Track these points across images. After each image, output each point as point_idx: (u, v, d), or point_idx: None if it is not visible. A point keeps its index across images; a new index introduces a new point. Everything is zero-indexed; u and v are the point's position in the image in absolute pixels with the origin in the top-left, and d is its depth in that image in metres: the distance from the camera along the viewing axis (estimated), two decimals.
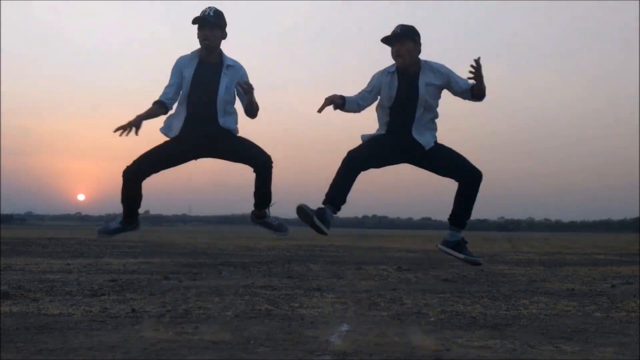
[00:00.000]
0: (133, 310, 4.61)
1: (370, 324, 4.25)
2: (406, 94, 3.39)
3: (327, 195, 3.33)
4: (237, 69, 3.48)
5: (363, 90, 3.48)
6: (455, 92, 3.44)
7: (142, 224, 3.71)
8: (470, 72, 3.30)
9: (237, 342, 3.49)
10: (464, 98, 3.46)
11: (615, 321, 4.50)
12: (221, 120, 3.42)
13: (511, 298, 5.88)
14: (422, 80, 3.37)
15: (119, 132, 3.32)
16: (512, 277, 8.57)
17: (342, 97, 3.40)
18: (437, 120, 3.50)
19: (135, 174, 3.43)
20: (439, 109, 3.49)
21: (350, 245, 21.22)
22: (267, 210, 3.66)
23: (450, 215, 3.50)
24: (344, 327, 4.04)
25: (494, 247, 22.11)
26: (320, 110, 3.36)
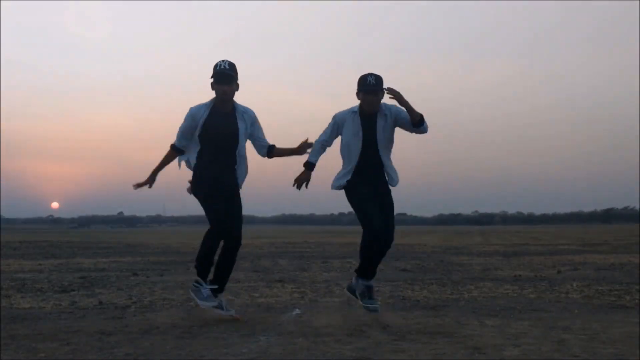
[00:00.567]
0: (100, 303, 4.91)
1: (321, 308, 4.62)
2: (367, 134, 3.91)
3: (360, 271, 4.08)
4: (249, 114, 3.97)
5: (325, 133, 4.02)
6: (402, 124, 3.95)
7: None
8: (391, 98, 3.80)
9: (195, 324, 3.82)
10: (411, 131, 3.95)
11: (544, 301, 4.95)
12: (238, 163, 3.95)
13: (459, 284, 6.31)
14: (381, 121, 3.91)
15: (138, 187, 4.04)
16: (468, 266, 9.03)
17: (310, 166, 4.00)
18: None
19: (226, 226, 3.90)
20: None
21: (323, 241, 21.62)
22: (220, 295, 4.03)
23: (357, 268, 4.06)
24: (296, 312, 4.41)
25: (465, 240, 22.71)
26: (299, 188, 4.03)
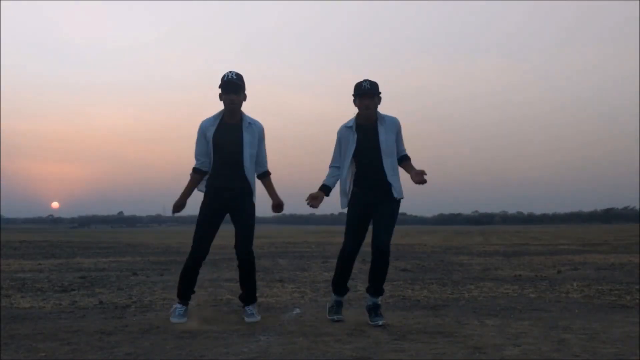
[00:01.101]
0: (101, 302, 4.91)
1: (321, 308, 4.61)
2: (367, 145, 3.89)
3: (332, 285, 4.10)
4: (257, 126, 3.97)
5: (334, 157, 4.02)
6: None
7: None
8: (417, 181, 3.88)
9: (195, 325, 3.82)
10: (399, 163, 4.00)
11: (544, 301, 4.95)
12: (247, 173, 3.93)
13: (459, 284, 6.31)
14: (381, 131, 3.90)
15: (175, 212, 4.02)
16: (468, 266, 9.03)
17: (326, 189, 3.98)
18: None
19: (202, 253, 4.02)
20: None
21: (323, 241, 21.63)
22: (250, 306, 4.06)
23: (368, 287, 4.01)
24: (296, 311, 4.41)
25: (466, 240, 22.72)
26: (316, 205, 3.97)
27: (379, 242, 3.83)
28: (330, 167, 4.04)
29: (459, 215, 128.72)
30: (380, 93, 3.91)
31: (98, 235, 35.69)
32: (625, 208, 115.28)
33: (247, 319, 3.95)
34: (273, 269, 8.57)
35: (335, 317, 3.97)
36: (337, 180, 3.99)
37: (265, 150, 4.04)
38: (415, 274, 7.58)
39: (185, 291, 4.06)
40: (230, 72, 3.88)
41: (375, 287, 3.91)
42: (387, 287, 6.03)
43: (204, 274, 7.69)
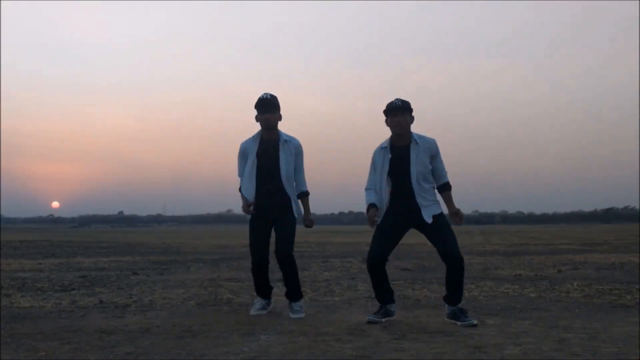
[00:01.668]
0: (101, 302, 4.91)
1: (321, 307, 4.61)
2: (400, 167, 3.88)
3: (377, 298, 4.02)
4: (293, 143, 4.16)
5: (369, 178, 4.02)
6: (433, 171, 3.94)
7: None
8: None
9: (195, 324, 3.82)
10: (435, 183, 3.97)
11: (545, 300, 4.94)
12: (286, 188, 4.14)
13: None
14: (414, 153, 3.87)
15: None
16: (468, 265, 8.99)
17: (373, 206, 3.96)
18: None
19: (261, 259, 4.28)
20: None
21: (323, 241, 21.63)
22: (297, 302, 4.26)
23: (444, 295, 3.98)
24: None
25: (466, 240, 22.72)
26: (372, 226, 3.97)
27: (448, 250, 3.82)
28: (366, 189, 4.03)
29: None
30: (412, 111, 3.89)
31: (98, 235, 35.69)
32: (626, 208, 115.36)
33: (292, 315, 4.13)
34: (273, 269, 8.55)
35: (465, 323, 3.76)
36: (378, 197, 3.97)
37: (303, 168, 4.24)
38: (415, 274, 7.58)
39: (260, 289, 4.40)
40: (265, 93, 4.09)
41: (454, 296, 3.88)
42: None
43: (205, 273, 7.70)
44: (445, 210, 3.98)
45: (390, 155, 3.89)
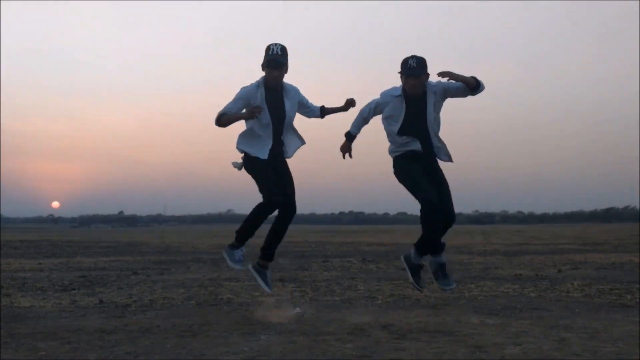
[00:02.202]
0: (101, 302, 4.91)
1: (321, 307, 4.61)
2: (415, 115, 3.91)
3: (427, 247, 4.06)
4: (294, 90, 4.16)
5: (369, 107, 4.05)
6: (455, 94, 3.93)
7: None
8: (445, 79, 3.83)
9: (195, 323, 3.82)
10: (465, 95, 3.94)
11: (545, 300, 4.94)
12: (284, 138, 4.13)
13: (460, 283, 6.29)
14: (430, 102, 3.90)
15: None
16: (469, 265, 9.02)
17: (350, 137, 4.14)
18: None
19: (282, 195, 4.05)
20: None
21: (323, 240, 21.62)
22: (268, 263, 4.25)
23: (417, 242, 4.03)
24: (296, 310, 4.40)
25: (466, 240, 22.70)
26: (344, 157, 4.15)
27: (447, 206, 3.89)
28: (360, 112, 4.11)
29: (459, 214, 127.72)
30: (426, 69, 3.86)
31: (98, 234, 35.71)
32: (626, 208, 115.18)
33: (265, 288, 4.21)
34: (274, 268, 8.51)
35: (447, 288, 4.02)
36: (361, 128, 4.13)
37: (306, 98, 4.23)
38: None
39: (247, 234, 4.19)
40: (275, 45, 4.00)
41: (439, 244, 3.95)
42: (387, 286, 6.05)
43: (205, 273, 7.70)
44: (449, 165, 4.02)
45: (404, 105, 3.90)
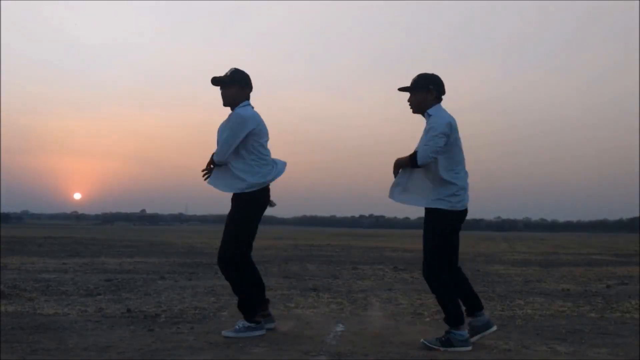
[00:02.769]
0: (128, 310, 4.60)
1: (365, 324, 4.25)
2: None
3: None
4: (230, 117, 3.75)
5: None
6: None
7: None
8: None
9: (232, 342, 3.49)
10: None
11: (610, 322, 4.51)
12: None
13: (506, 298, 5.89)
14: (424, 130, 3.50)
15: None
16: (507, 277, 8.58)
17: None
18: None
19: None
20: None
21: (347, 245, 21.24)
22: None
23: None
24: (339, 327, 4.04)
25: (490, 247, 22.16)
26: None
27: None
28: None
29: (481, 220, 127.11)
30: (425, 87, 3.51)
31: (121, 232, 35.76)
32: None
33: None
34: (303, 275, 8.23)
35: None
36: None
37: (225, 133, 3.70)
38: None
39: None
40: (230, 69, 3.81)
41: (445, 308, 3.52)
42: (429, 300, 5.65)
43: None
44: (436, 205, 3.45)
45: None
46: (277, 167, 3.78)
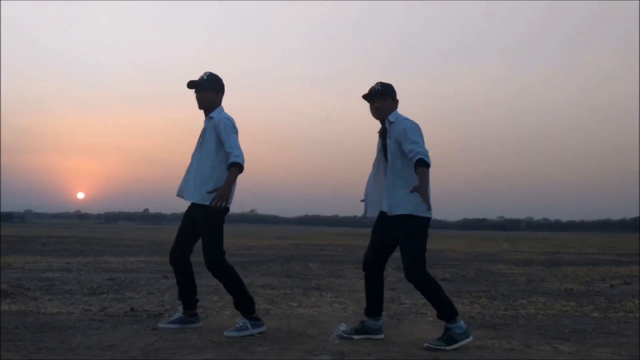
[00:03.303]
0: (132, 309, 4.61)
1: None
2: (382, 153, 3.61)
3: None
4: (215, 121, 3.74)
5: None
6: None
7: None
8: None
9: (235, 341, 3.49)
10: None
11: (613, 321, 4.51)
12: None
13: (509, 298, 5.89)
14: (389, 138, 3.52)
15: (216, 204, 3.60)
16: (510, 276, 8.58)
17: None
18: None
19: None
20: None
21: (349, 244, 21.25)
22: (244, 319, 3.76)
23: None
24: (342, 327, 4.04)
25: (493, 247, 22.15)
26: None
27: (404, 267, 3.50)
28: None
29: (483, 220, 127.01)
30: (394, 94, 3.57)
31: (124, 232, 35.82)
32: None
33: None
34: (306, 274, 8.23)
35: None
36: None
37: (225, 136, 3.71)
38: (457, 285, 7.17)
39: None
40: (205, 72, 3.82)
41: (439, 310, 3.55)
42: None
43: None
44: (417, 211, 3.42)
45: (380, 141, 3.63)
46: None
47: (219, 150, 3.68)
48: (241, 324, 3.69)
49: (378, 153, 3.66)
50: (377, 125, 3.67)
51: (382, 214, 3.60)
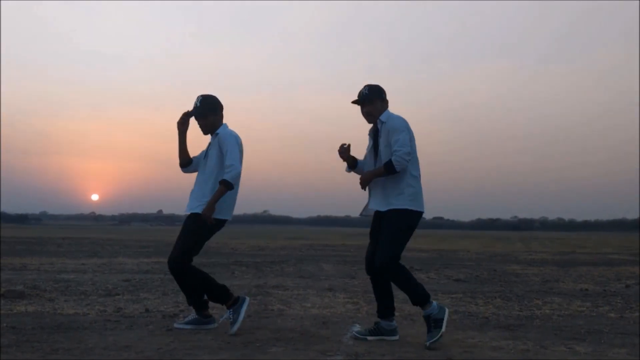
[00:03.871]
0: (147, 310, 4.65)
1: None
2: (373, 152, 3.65)
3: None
4: (222, 137, 3.83)
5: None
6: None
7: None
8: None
9: (249, 342, 3.51)
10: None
11: (629, 322, 4.46)
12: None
13: (524, 298, 5.85)
14: (381, 136, 3.58)
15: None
16: (525, 277, 8.52)
17: (354, 160, 3.73)
18: None
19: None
20: None
21: (362, 245, 21.24)
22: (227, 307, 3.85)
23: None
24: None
25: (507, 247, 22.01)
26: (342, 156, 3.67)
27: (377, 257, 3.56)
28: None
29: (497, 220, 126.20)
30: (382, 95, 3.61)
31: (138, 233, 36.06)
32: None
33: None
34: (319, 275, 8.24)
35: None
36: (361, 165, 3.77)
37: (229, 153, 3.82)
38: (471, 285, 7.13)
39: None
40: (198, 97, 3.86)
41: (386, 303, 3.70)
42: (445, 300, 5.65)
43: (250, 279, 7.43)
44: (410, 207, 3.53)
45: (370, 141, 3.68)
46: None
47: (220, 167, 3.79)
48: (228, 314, 3.77)
49: (368, 153, 3.71)
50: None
51: (377, 215, 3.61)
